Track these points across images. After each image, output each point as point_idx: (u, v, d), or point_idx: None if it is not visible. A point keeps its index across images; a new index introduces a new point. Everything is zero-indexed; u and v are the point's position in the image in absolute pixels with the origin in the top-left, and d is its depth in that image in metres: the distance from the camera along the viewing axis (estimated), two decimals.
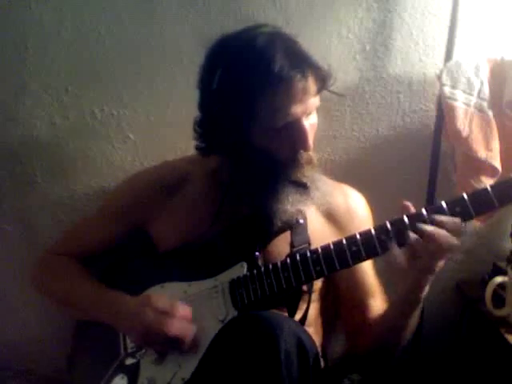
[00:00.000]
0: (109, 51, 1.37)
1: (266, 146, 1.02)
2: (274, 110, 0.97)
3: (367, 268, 1.17)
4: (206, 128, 1.07)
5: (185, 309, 1.02)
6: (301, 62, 0.97)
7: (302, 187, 1.05)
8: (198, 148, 1.10)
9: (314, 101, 1.01)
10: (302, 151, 1.03)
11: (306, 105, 0.99)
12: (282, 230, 1.09)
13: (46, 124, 1.41)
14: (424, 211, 0.93)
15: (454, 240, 0.90)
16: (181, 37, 1.36)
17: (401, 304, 1.03)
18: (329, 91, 1.06)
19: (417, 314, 1.04)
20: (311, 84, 0.99)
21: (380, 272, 1.19)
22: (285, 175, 1.04)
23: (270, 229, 1.07)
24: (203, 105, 1.06)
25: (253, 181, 1.06)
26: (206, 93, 1.04)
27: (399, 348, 1.11)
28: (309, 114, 1.02)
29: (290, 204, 1.05)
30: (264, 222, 1.07)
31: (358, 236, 0.96)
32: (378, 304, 1.17)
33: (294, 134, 1.00)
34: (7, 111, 1.40)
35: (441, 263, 0.93)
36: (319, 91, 1.01)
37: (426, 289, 0.98)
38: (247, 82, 0.96)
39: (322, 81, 1.01)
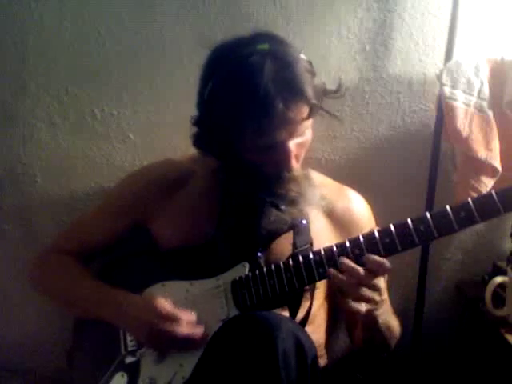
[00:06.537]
0: (109, 51, 1.37)
1: (253, 160, 1.02)
2: (258, 132, 0.96)
3: None
4: (200, 129, 1.07)
5: (188, 313, 1.03)
6: (288, 89, 0.94)
7: (276, 207, 1.04)
8: (194, 145, 1.10)
9: (302, 125, 0.99)
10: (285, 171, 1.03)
11: (293, 130, 0.98)
12: (284, 231, 1.09)
13: (46, 124, 1.41)
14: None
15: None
16: (181, 37, 1.36)
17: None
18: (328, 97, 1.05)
19: (381, 319, 1.05)
20: (297, 112, 0.96)
21: None
22: (268, 190, 1.04)
23: (255, 240, 1.07)
24: (199, 107, 1.06)
25: (241, 187, 1.07)
26: (200, 99, 1.04)
27: (390, 342, 1.13)
28: (297, 136, 1.00)
29: (273, 217, 1.05)
30: (249, 233, 1.07)
31: (361, 238, 0.96)
32: None
33: (278, 155, 1.00)
34: (7, 111, 1.40)
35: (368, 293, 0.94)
36: (309, 117, 0.98)
37: (379, 310, 1.00)
38: (234, 101, 0.96)
39: (312, 107, 0.97)
